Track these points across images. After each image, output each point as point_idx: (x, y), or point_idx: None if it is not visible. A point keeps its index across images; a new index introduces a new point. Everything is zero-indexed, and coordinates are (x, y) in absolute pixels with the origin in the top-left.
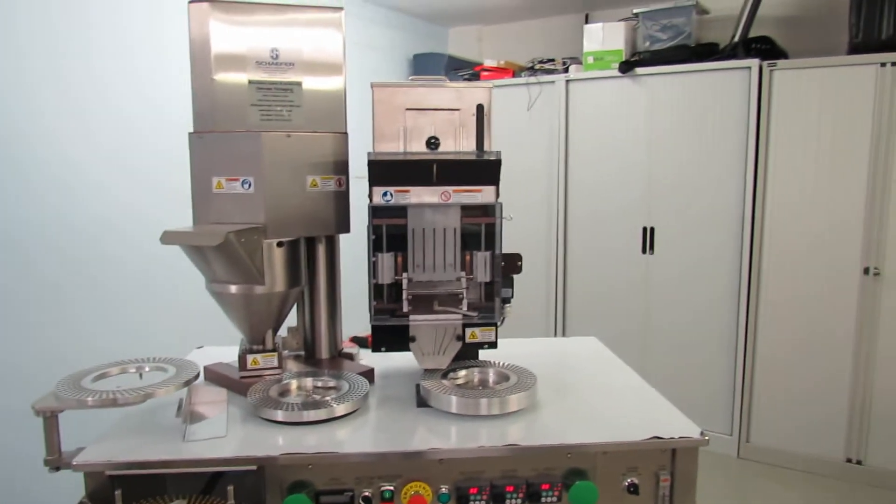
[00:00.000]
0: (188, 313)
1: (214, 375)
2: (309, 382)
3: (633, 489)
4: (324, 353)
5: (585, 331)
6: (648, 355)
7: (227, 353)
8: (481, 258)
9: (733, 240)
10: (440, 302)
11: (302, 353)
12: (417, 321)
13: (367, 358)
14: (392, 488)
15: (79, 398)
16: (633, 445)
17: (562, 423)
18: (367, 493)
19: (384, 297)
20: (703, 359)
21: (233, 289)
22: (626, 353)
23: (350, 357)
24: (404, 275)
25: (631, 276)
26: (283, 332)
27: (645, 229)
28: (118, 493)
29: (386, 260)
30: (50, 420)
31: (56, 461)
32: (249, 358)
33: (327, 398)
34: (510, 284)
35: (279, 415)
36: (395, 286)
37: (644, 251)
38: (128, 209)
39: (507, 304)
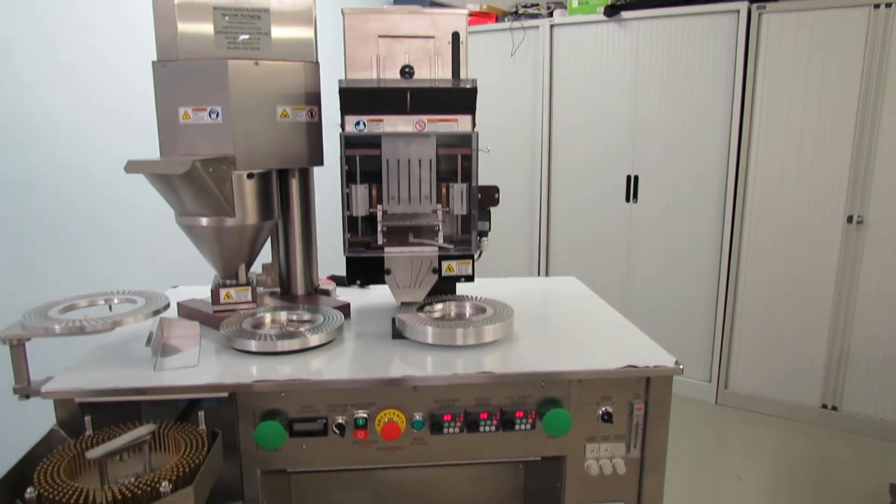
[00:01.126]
0: (166, 256)
1: (188, 311)
2: (283, 315)
3: (607, 417)
4: (299, 289)
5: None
6: (630, 302)
7: (203, 292)
8: (458, 190)
9: (717, 188)
10: (415, 234)
11: (277, 290)
12: (392, 253)
13: (344, 295)
14: (366, 415)
15: (46, 326)
16: (607, 374)
17: (537, 353)
18: (340, 420)
19: (359, 230)
20: (684, 306)
21: (203, 221)
22: (608, 299)
23: (326, 293)
24: (379, 207)
25: (614, 224)
26: (258, 269)
27: (629, 178)
28: (87, 419)
29: (360, 192)
30: (17, 348)
31: (25, 389)
32: (222, 292)
33: (301, 329)
34: (487, 217)
35: (252, 345)
36: (370, 219)
37: (628, 199)
38: (96, 147)
39: (484, 238)
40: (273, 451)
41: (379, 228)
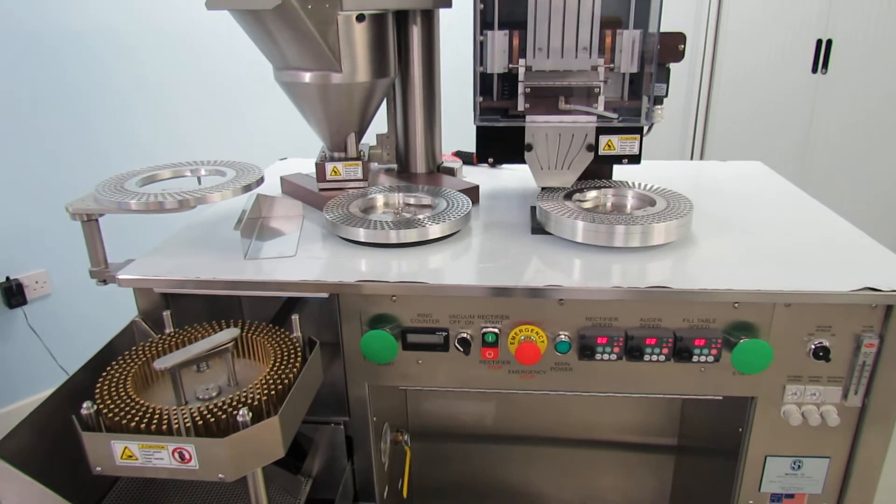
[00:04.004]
0: (277, 124)
1: (290, 187)
2: (399, 198)
3: (822, 354)
4: (420, 166)
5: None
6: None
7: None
8: (628, 38)
9: None
10: (568, 98)
11: (394, 166)
12: (536, 123)
13: (471, 175)
14: (497, 331)
15: (120, 200)
16: (831, 297)
17: (727, 264)
18: (464, 335)
19: (494, 92)
20: (883, 212)
21: (305, 77)
22: None
23: (451, 172)
24: (521, 61)
25: (794, 100)
26: (372, 140)
27: (819, 42)
28: (167, 314)
29: (497, 40)
30: (89, 225)
31: (101, 273)
32: (328, 167)
33: (420, 216)
34: (666, 78)
35: (361, 234)
36: (509, 77)
37: (815, 69)
38: None
39: (659, 106)
40: (382, 366)
41: (520, 90)
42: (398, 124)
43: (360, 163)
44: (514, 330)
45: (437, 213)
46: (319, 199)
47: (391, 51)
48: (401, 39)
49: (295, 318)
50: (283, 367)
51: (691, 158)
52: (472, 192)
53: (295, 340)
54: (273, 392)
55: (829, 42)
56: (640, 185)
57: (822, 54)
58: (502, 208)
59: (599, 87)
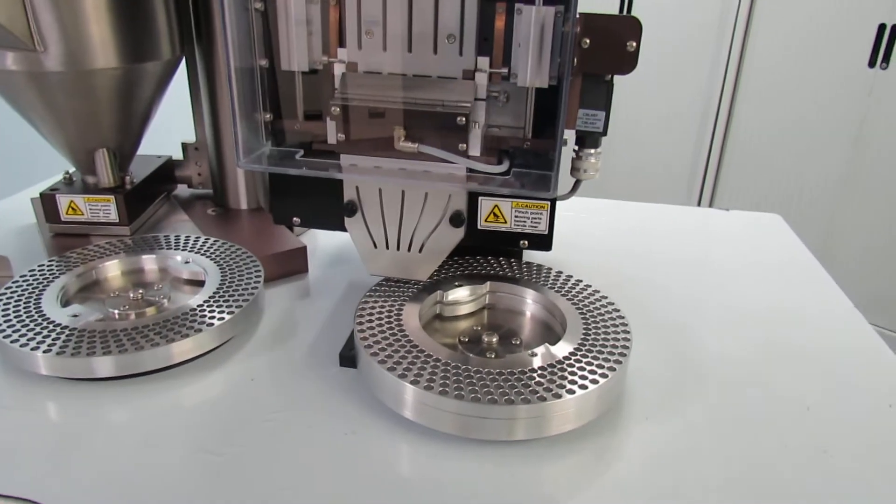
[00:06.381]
0: None
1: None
2: (150, 265)
3: None
4: (241, 199)
5: (748, 198)
6: (834, 242)
7: None
8: (534, 23)
9: None
10: (417, 129)
11: (211, 191)
12: (356, 175)
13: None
14: None
15: None
16: None
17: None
18: None
19: (298, 107)
20: None
21: (6, 60)
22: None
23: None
24: (340, 52)
25: (847, 92)
26: (170, 150)
27: (882, 28)
28: None
29: (294, 7)
30: None
31: None
32: (62, 200)
33: (166, 306)
34: (603, 101)
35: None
36: (313, 78)
37: (873, 63)
38: None
39: (593, 150)
40: None
41: (330, 109)
42: (207, 130)
43: (111, 198)
44: None
45: (175, 313)
46: (56, 248)
47: (163, 15)
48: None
49: None
50: None
51: (700, 189)
52: (295, 259)
53: None
54: None
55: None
56: (550, 276)
57: (885, 42)
58: (333, 290)
59: (467, 110)
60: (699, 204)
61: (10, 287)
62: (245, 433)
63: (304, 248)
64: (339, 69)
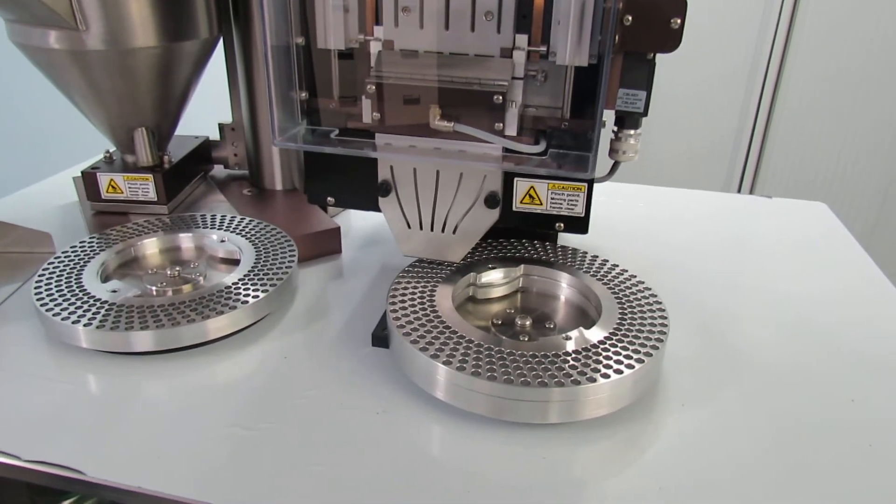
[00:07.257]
0: None
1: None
2: (188, 244)
3: None
4: (276, 180)
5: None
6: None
7: None
8: (570, 3)
9: None
10: (453, 108)
11: (246, 172)
12: (390, 153)
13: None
14: None
15: None
16: None
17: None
18: None
19: (334, 87)
20: None
21: (43, 38)
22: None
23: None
24: (377, 30)
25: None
26: (210, 131)
27: None
28: None
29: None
30: None
31: None
32: (103, 178)
33: (179, 292)
34: (646, 81)
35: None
36: (349, 63)
37: None
38: None
39: (633, 130)
40: None
41: (367, 88)
42: (244, 110)
43: (149, 176)
44: None
45: (211, 291)
46: (97, 225)
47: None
48: None
49: None
50: None
51: (741, 174)
52: (328, 240)
53: None
54: None
55: None
56: (592, 259)
57: None
58: (366, 271)
59: (506, 93)
60: (739, 191)
61: (53, 262)
62: (278, 409)
63: (338, 228)
64: (374, 47)
